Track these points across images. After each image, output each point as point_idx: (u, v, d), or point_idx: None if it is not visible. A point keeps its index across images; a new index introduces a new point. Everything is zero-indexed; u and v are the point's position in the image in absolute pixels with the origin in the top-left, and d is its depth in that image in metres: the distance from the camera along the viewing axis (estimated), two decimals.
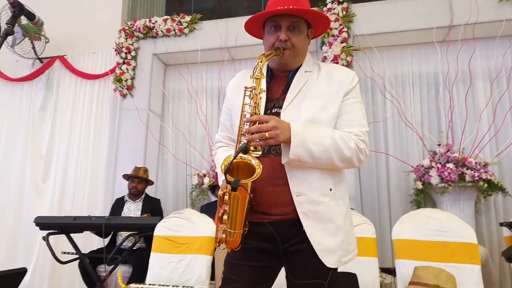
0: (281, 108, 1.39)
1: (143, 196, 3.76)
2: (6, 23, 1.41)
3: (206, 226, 2.58)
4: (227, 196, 1.24)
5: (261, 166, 1.24)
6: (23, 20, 4.53)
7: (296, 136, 1.26)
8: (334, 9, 4.02)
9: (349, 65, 3.94)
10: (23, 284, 4.18)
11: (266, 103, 1.42)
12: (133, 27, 4.48)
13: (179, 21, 4.37)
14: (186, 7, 4.94)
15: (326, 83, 1.44)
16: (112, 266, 2.82)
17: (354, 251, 1.39)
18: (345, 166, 1.37)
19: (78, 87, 4.75)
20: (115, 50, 4.48)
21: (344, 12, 4.02)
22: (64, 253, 2.89)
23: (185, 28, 4.36)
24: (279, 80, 1.48)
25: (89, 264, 2.80)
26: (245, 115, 1.33)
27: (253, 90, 1.32)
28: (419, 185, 3.54)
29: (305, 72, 1.46)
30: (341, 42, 3.95)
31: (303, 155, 1.27)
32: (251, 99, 1.32)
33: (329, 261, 1.30)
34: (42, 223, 2.68)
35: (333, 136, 1.32)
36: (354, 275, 2.12)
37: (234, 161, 1.23)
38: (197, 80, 4.64)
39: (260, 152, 1.30)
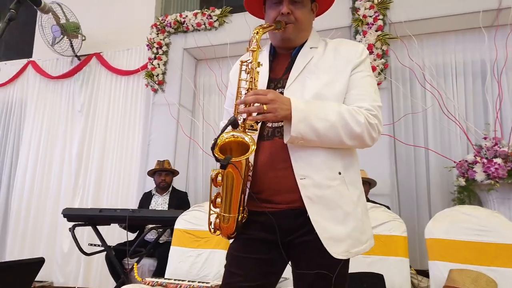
0: (285, 87, 1.28)
1: (170, 189, 3.76)
2: (10, 8, 1.39)
3: None
4: (221, 178, 1.16)
5: (255, 143, 1.15)
6: (62, 19, 4.68)
7: (297, 112, 1.15)
8: None
9: (384, 54, 3.72)
10: (56, 274, 4.37)
11: (268, 83, 1.32)
12: (164, 22, 4.50)
13: (209, 15, 4.33)
14: (221, 2, 4.87)
15: (333, 57, 1.32)
16: (136, 259, 2.82)
17: (368, 242, 1.25)
18: (356, 145, 1.24)
19: (114, 83, 4.85)
20: (147, 45, 4.52)
21: None
22: (91, 244, 2.93)
23: (215, 21, 4.32)
24: (282, 59, 1.38)
25: (114, 257, 2.82)
26: (241, 91, 1.24)
27: (249, 64, 1.22)
28: (462, 181, 3.28)
29: (310, 48, 1.35)
30: (376, 31, 3.74)
31: (306, 133, 1.16)
32: (247, 73, 1.22)
33: (335, 250, 1.17)
34: (69, 214, 2.72)
35: (340, 110, 1.19)
36: (381, 276, 1.95)
37: (226, 140, 1.16)
38: (227, 74, 4.56)
39: (257, 131, 1.22)
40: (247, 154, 1.13)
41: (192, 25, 4.39)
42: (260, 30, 1.27)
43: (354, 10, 3.85)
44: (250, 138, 1.16)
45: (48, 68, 5.12)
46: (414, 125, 3.97)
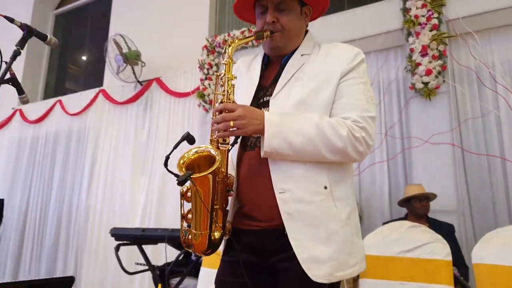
0: (272, 96, 1.24)
1: None
2: (16, 45, 1.49)
3: None
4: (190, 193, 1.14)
5: (220, 156, 1.12)
6: (124, 49, 5.04)
7: (271, 126, 1.10)
8: None
9: (442, 55, 3.38)
10: None
11: (258, 91, 1.30)
12: (214, 43, 4.60)
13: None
14: None
15: (323, 63, 1.24)
16: (179, 279, 2.85)
17: (356, 266, 1.12)
18: (340, 159, 1.14)
19: (172, 105, 5.06)
20: (199, 67, 4.65)
21: None
22: (137, 263, 3.03)
23: None
24: (273, 66, 1.34)
25: (158, 277, 2.87)
26: (216, 105, 1.22)
27: (223, 77, 1.20)
28: None
29: (302, 55, 1.28)
30: (430, 30, 3.42)
31: (281, 148, 1.10)
32: (221, 87, 1.20)
33: (315, 273, 1.06)
34: (116, 234, 2.84)
35: (319, 123, 1.11)
36: None
37: (192, 157, 1.15)
38: None
39: (229, 145, 1.18)
40: (210, 169, 1.08)
41: None
42: (234, 42, 1.24)
43: (405, 11, 3.58)
44: (216, 150, 1.13)
45: (114, 94, 5.52)
46: (485, 132, 3.51)
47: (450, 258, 1.86)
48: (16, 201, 6.05)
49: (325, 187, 1.12)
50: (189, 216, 1.17)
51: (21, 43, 1.52)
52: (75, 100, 5.98)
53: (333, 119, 1.14)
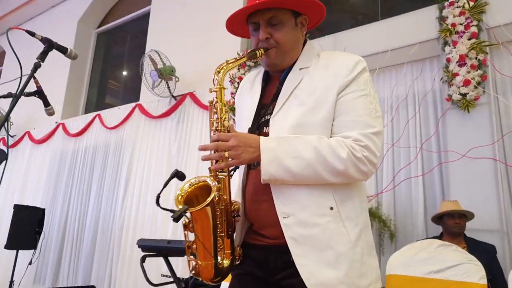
0: (271, 114, 1.21)
1: None
2: (37, 58, 1.54)
3: None
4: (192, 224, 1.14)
5: (218, 185, 1.11)
6: (159, 64, 5.17)
7: (267, 152, 1.07)
8: (457, 2, 3.37)
9: (481, 64, 3.19)
10: None
11: (259, 109, 1.26)
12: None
13: None
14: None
15: (322, 76, 1.18)
16: None
17: (369, 287, 1.05)
18: (343, 180, 1.08)
19: (205, 119, 5.11)
20: (230, 81, 4.69)
21: (472, 3, 3.32)
22: (163, 275, 3.02)
23: None
24: (273, 83, 1.30)
25: None
26: (211, 133, 1.20)
27: (216, 104, 1.18)
28: None
29: (300, 69, 1.23)
30: (469, 39, 3.25)
31: (279, 174, 1.07)
32: (215, 114, 1.18)
33: None
34: (143, 245, 2.86)
35: (317, 146, 1.06)
36: None
37: (189, 190, 1.14)
38: None
39: (229, 172, 1.17)
40: (205, 202, 1.07)
41: None
42: (227, 66, 1.22)
43: (442, 19, 3.43)
44: (213, 179, 1.12)
45: (151, 109, 5.67)
46: None
47: (484, 281, 1.70)
48: (57, 211, 6.30)
49: (331, 208, 1.07)
50: (194, 246, 1.17)
51: (42, 56, 1.57)
52: (113, 114, 6.20)
53: (333, 139, 1.09)
